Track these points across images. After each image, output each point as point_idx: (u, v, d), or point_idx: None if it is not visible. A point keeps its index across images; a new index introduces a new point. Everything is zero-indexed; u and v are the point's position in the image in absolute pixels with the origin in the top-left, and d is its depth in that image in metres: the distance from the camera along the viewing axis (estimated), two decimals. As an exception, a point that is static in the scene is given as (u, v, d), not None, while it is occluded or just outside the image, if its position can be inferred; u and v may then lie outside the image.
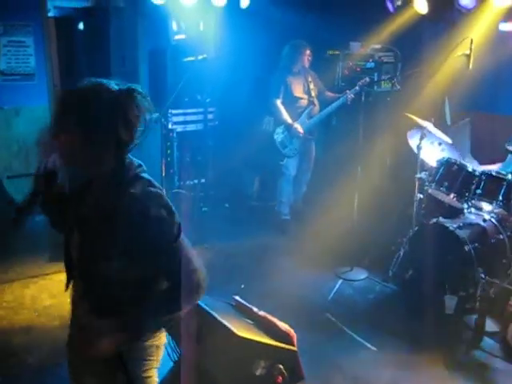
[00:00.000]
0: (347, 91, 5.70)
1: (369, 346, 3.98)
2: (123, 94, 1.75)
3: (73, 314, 2.04)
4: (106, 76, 1.87)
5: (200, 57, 5.20)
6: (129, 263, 1.80)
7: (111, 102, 1.73)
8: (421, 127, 4.83)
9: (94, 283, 1.87)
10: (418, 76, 5.06)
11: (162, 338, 2.08)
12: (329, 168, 6.05)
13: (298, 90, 5.81)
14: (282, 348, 3.22)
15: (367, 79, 5.65)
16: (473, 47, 4.56)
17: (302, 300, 4.53)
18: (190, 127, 6.49)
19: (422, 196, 4.89)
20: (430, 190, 4.75)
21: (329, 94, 5.98)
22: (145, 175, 1.86)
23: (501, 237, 4.40)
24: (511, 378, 3.66)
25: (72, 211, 1.94)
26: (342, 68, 6.42)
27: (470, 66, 4.57)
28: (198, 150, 6.50)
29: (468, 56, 4.60)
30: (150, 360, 2.01)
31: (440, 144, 4.91)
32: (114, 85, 1.77)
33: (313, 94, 5.86)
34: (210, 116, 6.40)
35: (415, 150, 4.92)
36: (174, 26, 6.31)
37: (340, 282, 4.91)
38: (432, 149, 4.93)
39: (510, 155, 4.99)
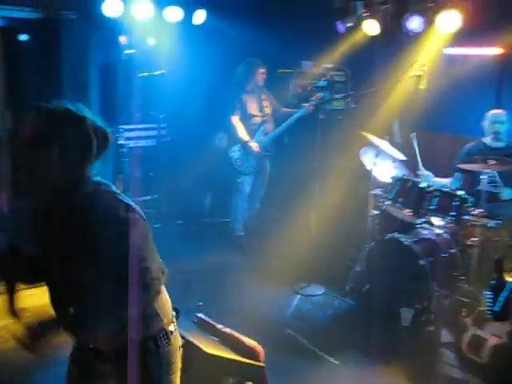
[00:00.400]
0: (305, 104, 5.82)
1: (331, 359, 4.03)
2: (86, 118, 1.91)
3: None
4: (56, 90, 1.99)
5: (157, 72, 5.16)
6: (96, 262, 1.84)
7: (79, 122, 1.88)
8: (374, 145, 4.98)
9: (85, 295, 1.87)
10: (372, 95, 5.22)
11: (179, 339, 2.20)
12: (284, 185, 6.12)
13: (252, 108, 5.88)
14: (250, 364, 3.21)
15: (321, 94, 5.80)
16: (425, 69, 4.77)
17: (261, 316, 4.53)
18: (142, 143, 6.41)
19: (376, 212, 5.03)
20: (385, 206, 4.88)
21: (285, 109, 6.08)
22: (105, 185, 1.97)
23: (453, 251, 4.58)
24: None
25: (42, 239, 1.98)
26: (294, 86, 6.54)
27: (423, 87, 4.78)
28: (151, 165, 6.42)
29: (419, 77, 4.81)
30: (175, 362, 2.13)
31: (394, 161, 5.07)
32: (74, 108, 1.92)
33: (267, 111, 5.94)
34: (162, 132, 6.36)
35: (368, 167, 5.06)
36: (126, 40, 6.23)
37: (298, 297, 4.95)
38: (386, 166, 5.08)
39: (457, 172, 5.22)
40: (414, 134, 4.98)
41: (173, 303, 2.26)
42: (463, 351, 4.02)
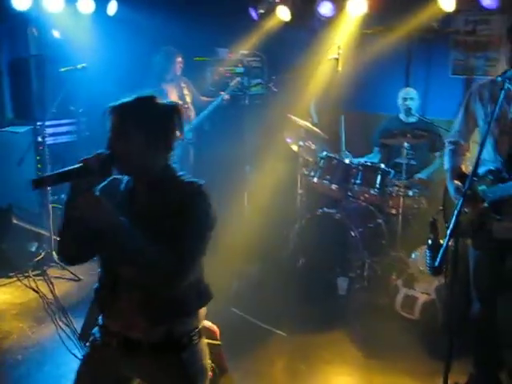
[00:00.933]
0: (221, 92, 5.93)
1: (278, 332, 4.22)
2: (170, 107, 2.05)
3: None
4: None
5: (79, 66, 5.06)
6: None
7: (165, 111, 2.03)
8: (299, 126, 5.21)
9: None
10: (293, 79, 5.43)
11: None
12: (212, 172, 6.19)
13: (172, 97, 5.87)
14: (207, 343, 3.33)
15: (238, 79, 5.94)
16: (341, 52, 5.04)
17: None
18: (62, 139, 6.25)
19: (303, 191, 5.27)
20: (313, 183, 5.13)
21: (203, 98, 6.14)
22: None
23: (379, 221, 4.92)
24: (402, 341, 4.12)
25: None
26: (211, 73, 6.63)
27: (340, 69, 5.05)
28: (71, 161, 6.25)
29: (336, 60, 5.07)
30: (206, 359, 2.22)
31: (317, 141, 5.32)
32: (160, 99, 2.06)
33: (187, 99, 5.98)
34: (82, 126, 6.23)
35: (294, 149, 5.29)
36: (38, 34, 6.02)
37: (237, 277, 5.10)
38: (311, 146, 5.33)
39: (375, 147, 5.58)
40: (343, 116, 5.26)
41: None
42: (397, 310, 4.37)
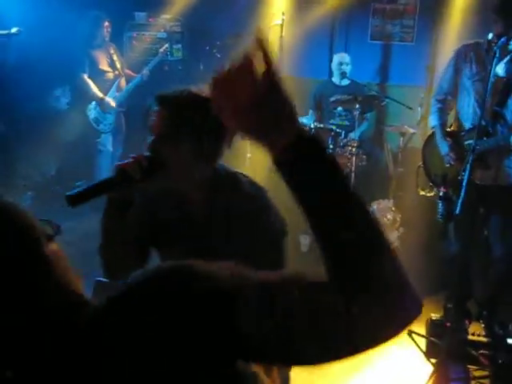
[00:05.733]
0: (144, 69, 5.75)
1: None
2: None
3: None
4: None
5: (13, 30, 4.60)
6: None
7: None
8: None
9: None
10: (235, 45, 5.45)
11: None
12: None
13: (103, 63, 5.62)
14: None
15: (167, 46, 5.83)
16: (284, 18, 5.20)
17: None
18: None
19: (251, 155, 5.42)
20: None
21: (127, 72, 5.89)
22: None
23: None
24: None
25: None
26: (129, 39, 6.38)
27: (283, 34, 5.21)
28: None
29: (280, 25, 5.23)
30: None
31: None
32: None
33: (118, 65, 5.73)
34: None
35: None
36: None
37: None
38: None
39: (311, 110, 5.87)
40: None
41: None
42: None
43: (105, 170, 5.83)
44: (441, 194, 3.35)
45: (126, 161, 1.65)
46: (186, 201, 1.84)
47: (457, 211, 3.08)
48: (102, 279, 3.08)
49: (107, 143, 5.77)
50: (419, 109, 5.67)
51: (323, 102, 5.69)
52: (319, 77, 5.94)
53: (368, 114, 5.70)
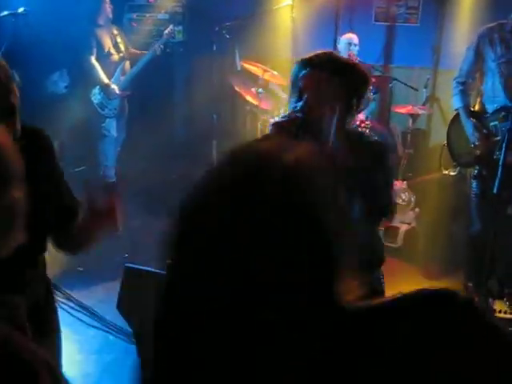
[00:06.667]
0: (155, 45, 5.62)
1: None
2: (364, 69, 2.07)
3: None
4: None
5: (20, 10, 4.43)
6: None
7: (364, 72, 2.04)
8: (254, 75, 5.24)
9: None
10: (245, 26, 5.36)
11: None
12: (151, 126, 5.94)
13: (107, 45, 5.45)
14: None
15: (172, 27, 5.68)
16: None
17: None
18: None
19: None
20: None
21: (133, 50, 5.74)
22: None
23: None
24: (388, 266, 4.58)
25: None
26: (129, 21, 6.23)
27: (294, 15, 5.16)
28: None
29: (291, 6, 5.16)
30: None
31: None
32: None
33: (122, 47, 5.57)
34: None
35: (248, 98, 5.33)
36: None
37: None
38: (277, 93, 5.42)
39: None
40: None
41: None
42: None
43: (110, 155, 5.71)
44: (475, 172, 3.38)
45: (281, 119, 1.92)
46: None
47: (495, 190, 3.12)
48: (131, 265, 3.05)
49: (111, 128, 5.63)
50: (424, 90, 5.69)
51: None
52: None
53: (375, 95, 5.69)
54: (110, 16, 5.48)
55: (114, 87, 5.46)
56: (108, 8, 5.43)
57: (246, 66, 5.22)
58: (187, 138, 6.06)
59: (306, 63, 1.93)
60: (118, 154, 6.01)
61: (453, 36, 5.58)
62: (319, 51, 1.98)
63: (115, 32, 5.55)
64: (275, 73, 5.23)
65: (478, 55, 3.69)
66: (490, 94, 3.66)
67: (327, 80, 1.88)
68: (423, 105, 5.68)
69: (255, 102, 5.32)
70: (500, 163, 3.13)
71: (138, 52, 5.73)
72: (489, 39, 3.63)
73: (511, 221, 3.92)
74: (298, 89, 1.93)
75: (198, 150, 5.56)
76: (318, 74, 1.90)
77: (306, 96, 1.88)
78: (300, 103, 1.89)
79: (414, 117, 5.53)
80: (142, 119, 5.98)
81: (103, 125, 5.58)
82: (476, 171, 3.42)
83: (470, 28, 5.03)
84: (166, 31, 5.69)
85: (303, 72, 1.92)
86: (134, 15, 6.20)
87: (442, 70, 5.77)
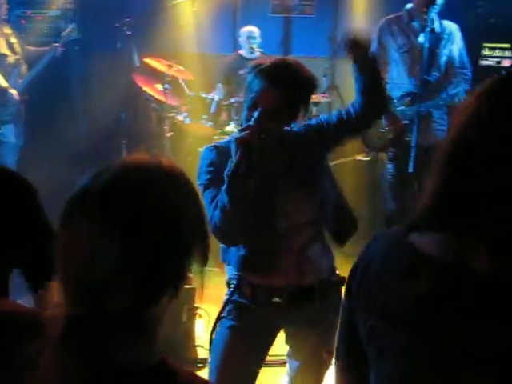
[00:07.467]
0: (54, 44, 5.34)
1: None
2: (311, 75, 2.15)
3: None
4: None
5: None
6: None
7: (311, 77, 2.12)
8: (158, 70, 5.14)
9: None
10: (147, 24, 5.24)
11: None
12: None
13: (1, 46, 5.10)
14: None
15: (71, 26, 5.42)
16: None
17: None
18: None
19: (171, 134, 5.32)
20: (187, 125, 5.22)
21: (30, 48, 5.40)
22: None
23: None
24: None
25: None
26: (18, 18, 5.84)
27: (195, 9, 5.13)
28: None
29: (192, 0, 5.13)
30: None
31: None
32: None
33: (17, 49, 5.22)
34: None
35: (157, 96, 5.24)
36: None
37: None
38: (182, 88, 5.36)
39: (219, 84, 5.84)
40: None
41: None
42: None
43: (10, 162, 5.37)
44: (390, 155, 3.58)
45: (242, 134, 1.86)
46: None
47: (411, 169, 3.34)
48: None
49: (9, 134, 5.30)
50: (323, 78, 5.89)
51: (232, 75, 5.69)
52: (225, 52, 5.92)
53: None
54: (4, 16, 5.13)
55: (13, 92, 5.14)
56: (4, 8, 5.08)
57: (149, 62, 5.11)
58: (92, 138, 5.84)
59: (262, 75, 1.93)
60: (18, 160, 5.68)
61: (349, 25, 5.80)
62: (276, 59, 2.03)
63: (8, 31, 5.20)
64: (181, 68, 5.17)
65: (380, 46, 3.90)
66: (396, 81, 3.89)
67: (282, 97, 1.92)
68: (323, 93, 5.88)
69: (161, 99, 5.24)
70: (412, 144, 3.35)
71: (35, 49, 5.40)
72: (390, 31, 3.86)
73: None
74: (252, 99, 1.94)
75: (106, 151, 5.40)
76: (274, 90, 1.92)
77: (260, 109, 1.90)
78: (255, 113, 1.91)
79: (317, 104, 5.73)
80: (39, 122, 5.70)
81: (0, 131, 5.24)
82: (391, 154, 3.63)
83: (365, 17, 5.27)
84: (66, 31, 5.40)
85: (259, 85, 1.93)
86: (23, 12, 5.83)
87: (340, 58, 5.99)
